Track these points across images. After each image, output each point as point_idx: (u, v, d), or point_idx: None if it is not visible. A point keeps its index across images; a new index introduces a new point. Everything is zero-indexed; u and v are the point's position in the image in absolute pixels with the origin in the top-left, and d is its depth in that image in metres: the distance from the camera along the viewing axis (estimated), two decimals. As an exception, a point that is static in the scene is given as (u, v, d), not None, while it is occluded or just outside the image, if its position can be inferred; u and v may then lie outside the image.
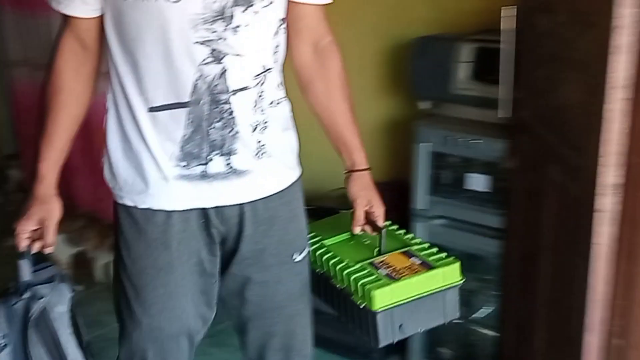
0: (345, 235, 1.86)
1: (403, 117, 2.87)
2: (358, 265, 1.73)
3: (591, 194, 1.61)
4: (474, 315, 2.53)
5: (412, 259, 1.75)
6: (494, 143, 2.32)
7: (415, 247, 1.80)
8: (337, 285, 1.75)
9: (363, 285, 1.67)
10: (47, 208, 1.63)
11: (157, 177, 1.59)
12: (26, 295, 1.61)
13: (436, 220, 2.51)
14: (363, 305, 1.67)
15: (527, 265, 2.13)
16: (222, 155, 1.59)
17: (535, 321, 2.06)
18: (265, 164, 1.64)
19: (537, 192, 2.03)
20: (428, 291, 1.70)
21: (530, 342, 2.10)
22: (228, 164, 1.59)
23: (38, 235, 1.63)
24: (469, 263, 2.52)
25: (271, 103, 1.62)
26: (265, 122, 1.61)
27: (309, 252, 1.79)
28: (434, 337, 2.59)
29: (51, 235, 1.64)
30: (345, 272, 1.72)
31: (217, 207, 1.62)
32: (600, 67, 1.55)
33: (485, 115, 2.37)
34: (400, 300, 1.67)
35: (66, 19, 1.60)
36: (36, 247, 1.64)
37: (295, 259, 1.74)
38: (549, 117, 1.97)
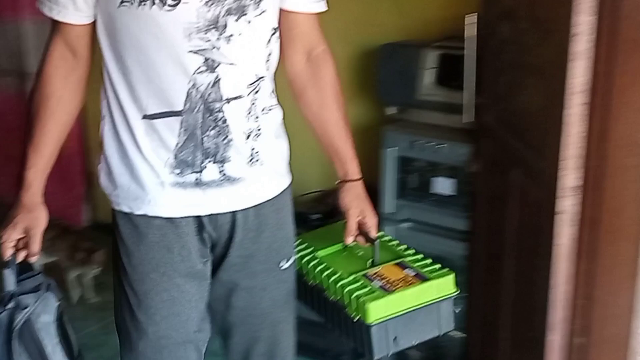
0: (338, 246, 1.83)
1: (370, 122, 2.90)
2: (352, 277, 1.71)
3: (552, 196, 1.66)
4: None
5: (406, 271, 1.73)
6: (459, 147, 2.36)
7: (409, 258, 1.78)
8: (331, 298, 1.73)
9: (357, 297, 1.65)
10: (33, 216, 1.61)
11: (154, 184, 1.58)
12: (10, 305, 1.58)
13: (404, 224, 2.55)
14: (357, 318, 1.65)
15: (491, 267, 2.18)
16: (215, 162, 1.58)
17: (500, 322, 2.10)
18: (258, 171, 1.63)
19: (500, 195, 2.07)
20: (422, 303, 1.68)
21: (496, 342, 2.14)
22: (221, 172, 1.59)
23: (23, 244, 1.61)
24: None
25: (263, 110, 1.62)
26: (259, 130, 1.61)
27: (295, 259, 1.78)
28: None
29: (37, 244, 1.61)
30: (339, 284, 1.70)
31: (210, 214, 1.61)
32: (560, 73, 1.60)
33: (450, 120, 2.42)
34: (395, 313, 1.65)
35: (57, 25, 1.58)
36: (21, 256, 1.61)
37: (282, 266, 1.73)
38: (511, 122, 2.02)
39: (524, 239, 1.93)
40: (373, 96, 2.81)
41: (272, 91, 1.65)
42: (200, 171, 1.58)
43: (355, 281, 1.70)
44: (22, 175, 1.62)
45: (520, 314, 1.96)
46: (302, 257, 1.80)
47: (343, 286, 1.69)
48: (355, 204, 1.76)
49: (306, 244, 1.84)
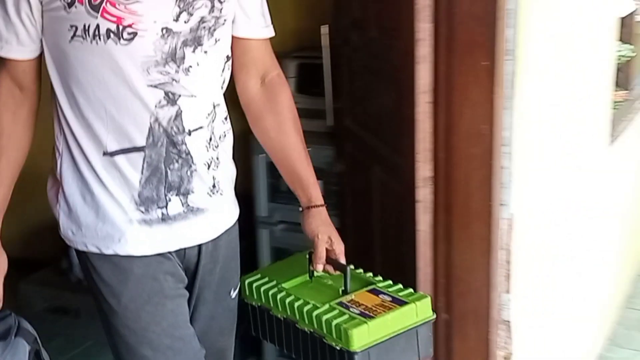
0: (302, 278, 1.74)
1: (241, 130, 2.99)
2: (327, 306, 1.62)
3: (410, 188, 1.82)
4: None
5: (381, 296, 1.65)
6: (323, 150, 2.48)
7: (380, 284, 1.70)
8: (305, 329, 1.63)
9: (338, 325, 1.56)
10: None
11: (122, 221, 1.51)
12: None
13: (278, 226, 2.65)
14: (339, 347, 1.56)
15: (363, 261, 2.31)
16: (178, 195, 1.54)
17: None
18: (218, 201, 1.61)
19: (364, 191, 2.22)
20: (403, 328, 1.61)
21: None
22: (184, 204, 1.55)
23: None
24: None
25: (220, 137, 1.60)
26: (217, 159, 1.59)
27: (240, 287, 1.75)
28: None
29: (0, 291, 1.54)
30: (315, 313, 1.61)
31: (178, 249, 1.58)
32: (407, 75, 1.76)
33: (313, 125, 2.53)
34: (378, 339, 1.57)
35: (1, 60, 1.51)
36: None
37: (232, 295, 1.71)
38: (368, 123, 2.18)
39: (388, 229, 2.08)
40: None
41: (226, 117, 1.63)
42: (165, 205, 1.53)
43: (331, 309, 1.61)
44: None
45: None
46: (266, 291, 1.71)
47: (319, 316, 1.60)
48: (323, 229, 1.69)
49: (267, 278, 1.74)
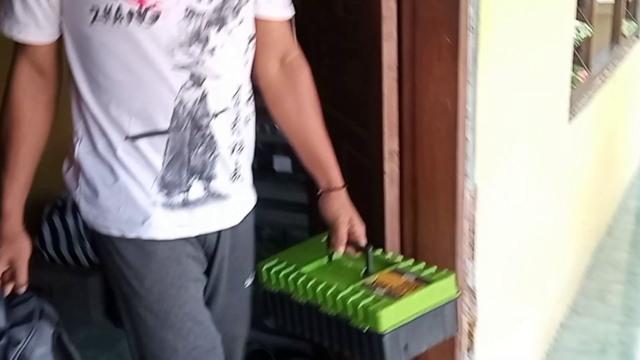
0: (321, 261, 1.73)
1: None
2: (351, 289, 1.60)
3: (378, 161, 1.87)
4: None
5: (405, 277, 1.64)
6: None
7: (402, 264, 1.70)
8: (329, 313, 1.62)
9: (365, 306, 1.55)
10: (17, 247, 1.54)
11: (146, 204, 1.50)
12: (2, 342, 1.49)
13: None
14: (366, 328, 1.55)
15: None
16: (200, 179, 1.53)
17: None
18: (239, 187, 1.60)
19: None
20: (429, 307, 1.61)
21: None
22: (206, 189, 1.54)
23: (8, 276, 1.54)
24: (283, 239, 2.75)
25: (245, 120, 1.59)
26: (242, 142, 1.58)
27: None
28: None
29: (24, 275, 1.54)
30: (340, 296, 1.59)
31: (199, 235, 1.57)
32: (373, 53, 1.81)
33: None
34: (405, 319, 1.56)
35: (21, 45, 1.48)
36: (8, 290, 1.53)
37: (246, 284, 1.71)
38: (337, 101, 2.22)
39: (357, 202, 2.13)
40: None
41: (250, 98, 1.62)
42: (187, 190, 1.52)
43: (355, 291, 1.59)
44: None
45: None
46: (286, 276, 1.69)
47: (344, 298, 1.58)
48: (344, 212, 1.68)
49: (285, 262, 1.72)
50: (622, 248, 3.92)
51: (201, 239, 1.58)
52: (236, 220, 1.61)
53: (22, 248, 1.55)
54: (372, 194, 1.95)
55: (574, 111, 3.03)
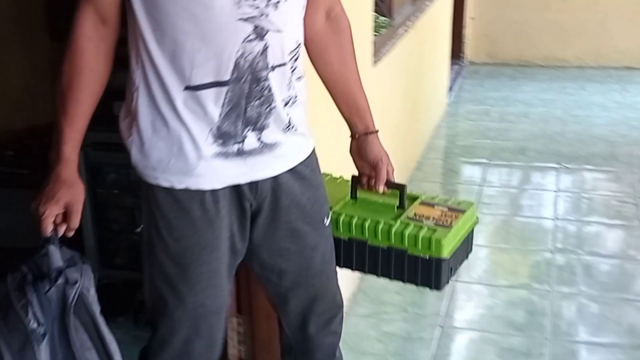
0: (344, 200, 1.85)
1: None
2: (399, 222, 1.74)
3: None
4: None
5: (438, 208, 1.81)
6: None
7: (424, 197, 1.85)
8: (380, 246, 1.75)
9: (425, 237, 1.70)
10: (74, 191, 1.55)
11: (196, 156, 1.53)
12: (60, 281, 1.50)
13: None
14: (428, 256, 1.71)
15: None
16: (254, 130, 1.55)
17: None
18: (292, 136, 1.62)
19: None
20: (466, 232, 1.80)
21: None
22: (259, 139, 1.57)
23: (60, 219, 1.54)
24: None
25: (298, 78, 1.61)
26: (296, 97, 1.61)
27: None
28: (109, 249, 2.80)
29: (77, 219, 1.55)
30: (394, 230, 1.73)
31: (251, 182, 1.60)
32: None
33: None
34: (455, 245, 1.75)
35: None
36: (62, 231, 1.54)
37: (325, 223, 1.74)
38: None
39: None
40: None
41: (300, 56, 1.63)
42: (242, 141, 1.55)
43: (406, 224, 1.74)
44: (58, 151, 1.54)
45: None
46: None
47: (398, 231, 1.73)
48: (384, 152, 1.81)
49: None
50: (429, 180, 4.32)
51: (252, 188, 1.61)
52: (288, 166, 1.65)
53: (79, 193, 1.57)
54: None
55: (378, 55, 3.33)
